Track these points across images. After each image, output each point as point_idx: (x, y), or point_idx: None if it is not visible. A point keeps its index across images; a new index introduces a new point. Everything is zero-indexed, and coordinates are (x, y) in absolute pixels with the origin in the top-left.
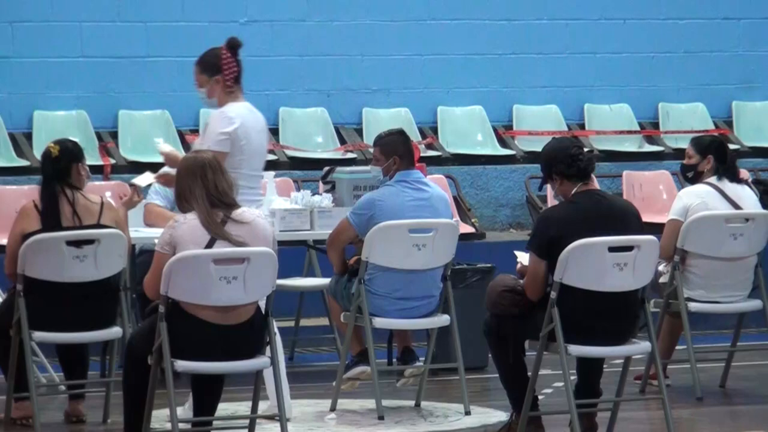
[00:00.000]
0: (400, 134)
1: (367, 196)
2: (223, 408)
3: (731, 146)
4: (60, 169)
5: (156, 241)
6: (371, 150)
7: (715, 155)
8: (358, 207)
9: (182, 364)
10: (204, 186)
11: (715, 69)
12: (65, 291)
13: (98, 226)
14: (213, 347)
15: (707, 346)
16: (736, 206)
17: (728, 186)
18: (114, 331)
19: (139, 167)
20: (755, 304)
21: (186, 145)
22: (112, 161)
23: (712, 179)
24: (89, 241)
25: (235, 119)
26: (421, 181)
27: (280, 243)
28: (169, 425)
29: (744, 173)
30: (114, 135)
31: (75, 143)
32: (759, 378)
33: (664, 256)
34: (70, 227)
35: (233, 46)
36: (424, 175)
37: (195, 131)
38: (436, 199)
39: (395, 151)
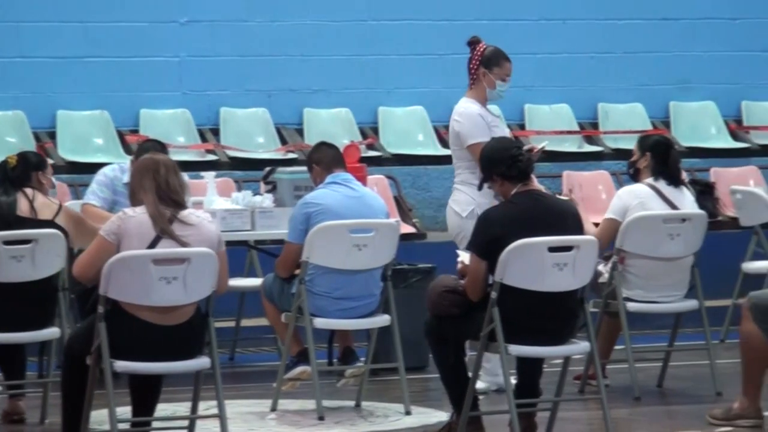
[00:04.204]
0: (318, 145)
1: (298, 204)
2: (162, 408)
3: None
4: (17, 176)
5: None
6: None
7: (653, 154)
8: (293, 222)
9: (121, 365)
10: (155, 180)
11: (652, 70)
12: (2, 291)
13: (52, 224)
14: (152, 347)
15: (645, 346)
16: (673, 207)
17: (665, 187)
18: (52, 332)
19: (78, 168)
20: (692, 304)
21: (126, 146)
22: (51, 162)
23: (650, 180)
24: (26, 241)
25: None
26: (350, 181)
27: None
28: (107, 426)
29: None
30: (52, 135)
31: (37, 154)
32: (695, 378)
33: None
34: (26, 218)
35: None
36: (364, 175)
37: (135, 131)
38: (369, 197)
39: (311, 160)
